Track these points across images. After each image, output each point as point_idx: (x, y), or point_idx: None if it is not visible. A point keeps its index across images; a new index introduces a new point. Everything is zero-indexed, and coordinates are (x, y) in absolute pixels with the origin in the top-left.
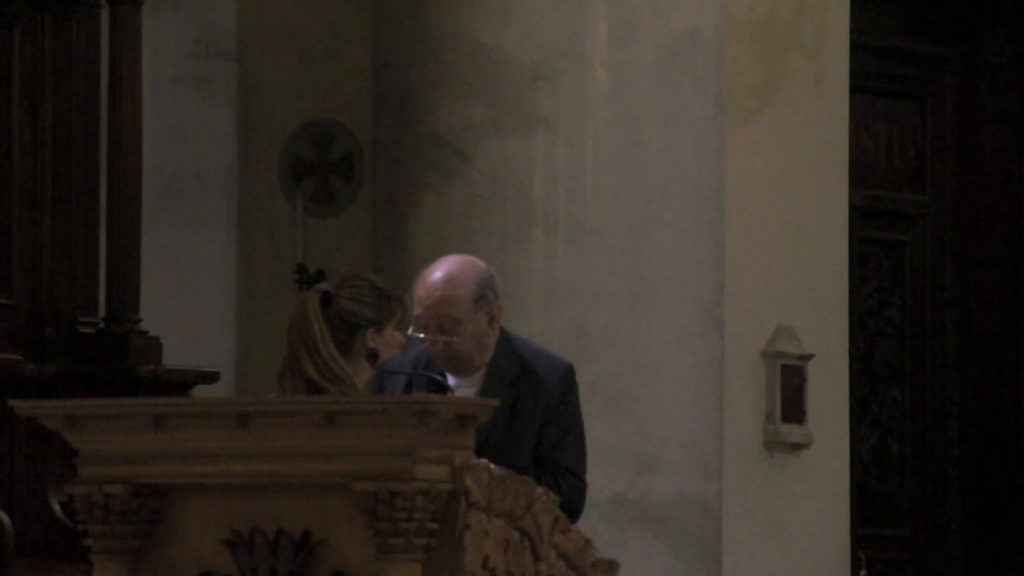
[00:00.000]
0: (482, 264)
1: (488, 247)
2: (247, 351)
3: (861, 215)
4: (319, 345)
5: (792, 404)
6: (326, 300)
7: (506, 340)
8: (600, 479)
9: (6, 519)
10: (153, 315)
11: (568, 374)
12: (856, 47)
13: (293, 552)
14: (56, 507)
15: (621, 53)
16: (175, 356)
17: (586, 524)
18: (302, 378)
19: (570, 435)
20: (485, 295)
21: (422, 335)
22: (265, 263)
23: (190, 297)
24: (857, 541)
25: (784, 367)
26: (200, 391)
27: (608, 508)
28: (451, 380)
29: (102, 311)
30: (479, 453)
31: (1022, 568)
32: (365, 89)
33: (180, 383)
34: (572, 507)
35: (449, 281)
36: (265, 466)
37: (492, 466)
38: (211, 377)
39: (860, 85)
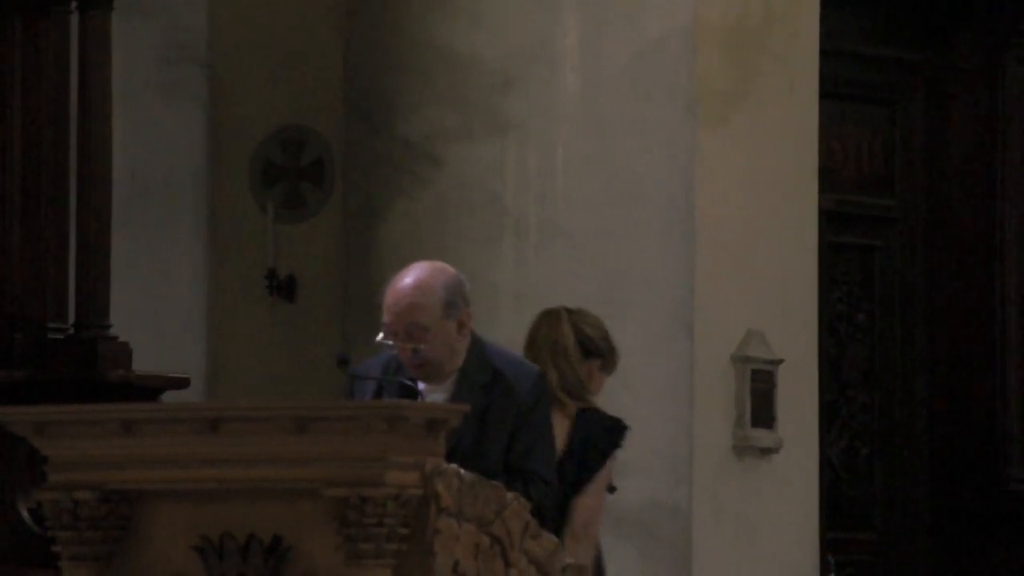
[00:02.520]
0: (452, 271)
1: (459, 252)
2: (217, 357)
3: (831, 220)
4: (570, 355)
5: (762, 408)
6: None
7: (477, 346)
8: None
9: None
10: (123, 321)
11: (539, 380)
12: (826, 52)
13: (263, 558)
14: (24, 513)
15: (592, 58)
16: (145, 362)
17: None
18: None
19: (540, 441)
20: (454, 302)
21: (390, 342)
22: (236, 269)
23: (160, 303)
24: (827, 544)
25: (754, 371)
26: (170, 397)
27: None
28: (421, 385)
29: (72, 317)
30: (449, 459)
31: (991, 570)
32: (336, 94)
33: (150, 389)
34: (541, 513)
35: (418, 288)
36: (236, 472)
37: (462, 471)
38: (181, 383)
39: (830, 90)
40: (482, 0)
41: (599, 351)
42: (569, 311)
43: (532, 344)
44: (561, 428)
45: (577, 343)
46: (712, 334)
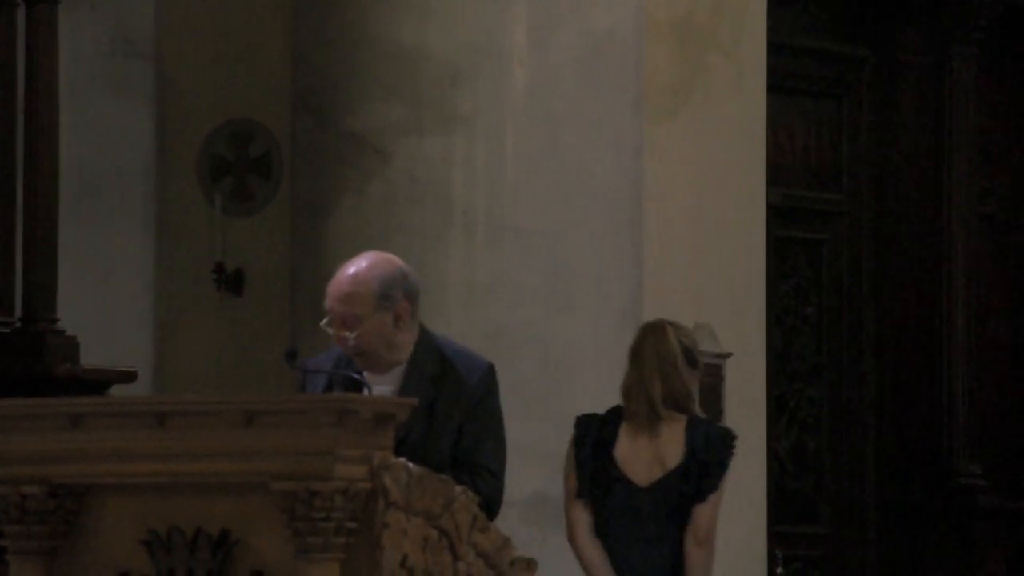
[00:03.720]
0: (397, 263)
1: (408, 246)
2: (165, 350)
3: (779, 214)
4: (678, 366)
5: (710, 402)
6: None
7: (427, 338)
8: (519, 478)
9: None
10: (70, 315)
11: (489, 373)
12: (773, 46)
13: (211, 552)
14: None
15: (540, 53)
16: (92, 356)
17: (505, 523)
18: (645, 399)
19: (489, 435)
20: (390, 295)
21: (330, 329)
22: (183, 262)
23: (108, 296)
24: (774, 538)
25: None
26: (118, 391)
27: (527, 507)
28: (370, 378)
29: (18, 310)
30: (397, 452)
31: (939, 565)
32: (283, 88)
33: (97, 383)
34: (489, 507)
35: (355, 278)
36: (183, 466)
37: (411, 465)
38: (129, 377)
39: (777, 84)
40: None
41: (696, 362)
42: (669, 323)
43: (638, 357)
44: (674, 439)
45: (683, 354)
46: None
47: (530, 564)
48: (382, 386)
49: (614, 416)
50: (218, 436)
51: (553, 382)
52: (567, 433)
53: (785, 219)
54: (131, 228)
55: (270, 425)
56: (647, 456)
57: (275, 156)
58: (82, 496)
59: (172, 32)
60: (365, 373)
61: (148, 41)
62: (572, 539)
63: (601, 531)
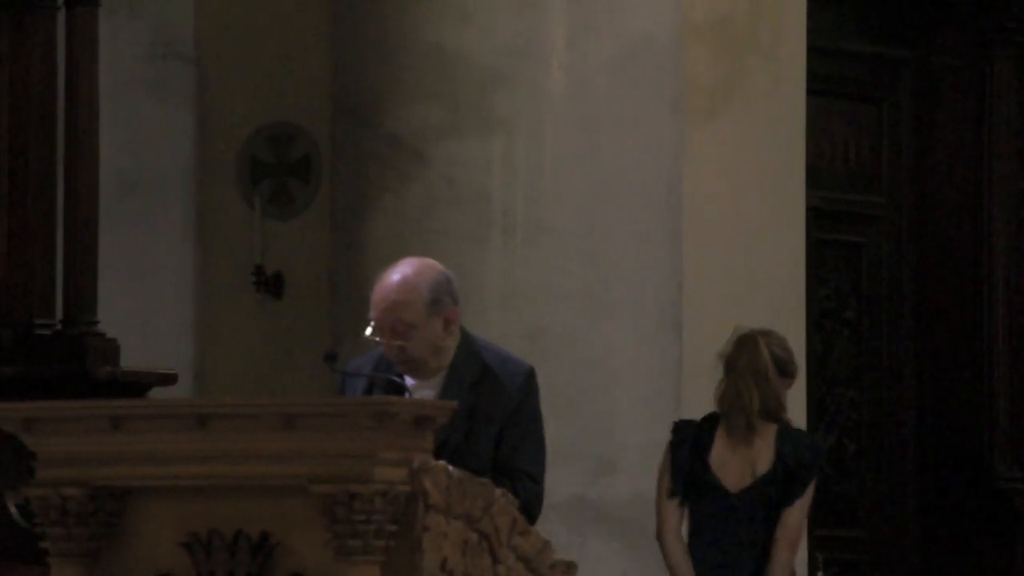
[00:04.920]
0: (439, 267)
1: (446, 249)
2: (205, 353)
3: (818, 217)
4: (771, 378)
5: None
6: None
7: (467, 342)
8: (559, 481)
9: None
10: (110, 317)
11: (529, 377)
12: (812, 49)
13: (251, 554)
14: (13, 510)
15: (579, 55)
16: (132, 358)
17: (545, 526)
18: (740, 410)
19: (529, 439)
20: (440, 299)
21: (377, 338)
22: (223, 265)
23: (148, 299)
24: (814, 542)
25: None
26: (158, 393)
27: (567, 510)
28: (410, 382)
29: (59, 313)
30: (438, 455)
31: (979, 567)
32: (323, 91)
33: (137, 385)
34: (528, 511)
35: (404, 285)
36: (223, 468)
37: (451, 468)
38: (169, 379)
39: (817, 87)
40: None
41: (790, 370)
42: (761, 333)
43: (733, 371)
44: (766, 447)
45: (774, 365)
46: (699, 331)
47: (570, 567)
48: (423, 390)
49: (710, 422)
50: (258, 439)
51: (592, 384)
52: (606, 436)
53: (824, 222)
54: (171, 231)
55: (310, 428)
56: (740, 463)
57: (314, 159)
58: (122, 498)
59: (211, 35)
60: (406, 377)
61: (187, 44)
62: (660, 536)
63: (694, 534)
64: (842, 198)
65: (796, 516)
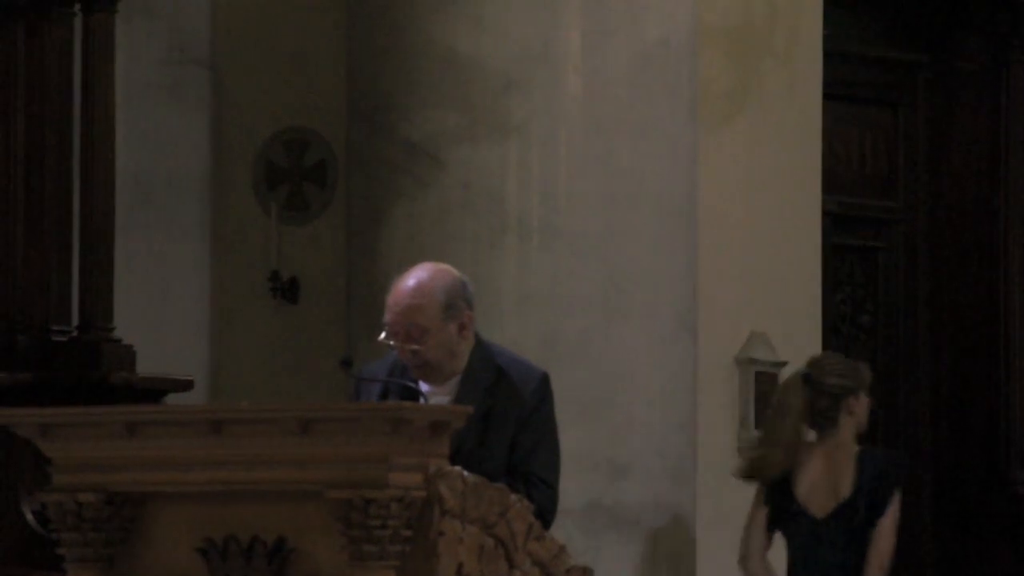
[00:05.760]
0: (455, 273)
1: (462, 254)
2: (221, 359)
3: (834, 221)
4: (787, 415)
5: (765, 411)
6: (807, 379)
7: (481, 347)
8: (574, 486)
9: None
10: (126, 323)
11: (543, 382)
12: (828, 54)
13: (267, 559)
14: (29, 515)
15: (594, 60)
16: (148, 364)
17: (560, 531)
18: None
19: (543, 444)
20: (455, 304)
21: (391, 342)
22: (239, 270)
23: (163, 305)
24: None
25: (757, 374)
26: (173, 399)
27: (582, 515)
28: (425, 387)
29: (75, 319)
30: (452, 460)
31: (994, 573)
32: (339, 96)
33: (153, 391)
34: (543, 516)
35: (419, 290)
36: (239, 474)
37: (466, 473)
38: (185, 385)
39: (833, 92)
40: (485, 2)
41: (851, 388)
42: (808, 370)
43: (788, 415)
44: (847, 471)
45: (819, 405)
46: (715, 336)
47: (585, 572)
48: (438, 395)
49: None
50: (274, 444)
51: (607, 389)
52: (622, 441)
53: (841, 227)
54: (187, 236)
55: (325, 433)
56: (824, 488)
57: (330, 164)
58: (138, 504)
59: (228, 40)
60: (420, 382)
61: (204, 49)
62: (744, 561)
63: (789, 564)
64: (858, 202)
65: (884, 535)
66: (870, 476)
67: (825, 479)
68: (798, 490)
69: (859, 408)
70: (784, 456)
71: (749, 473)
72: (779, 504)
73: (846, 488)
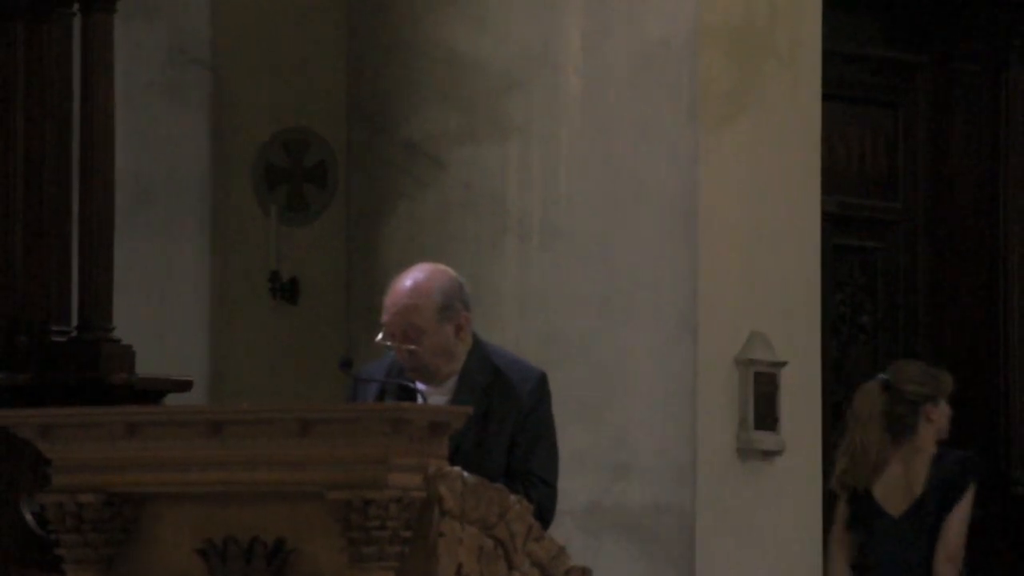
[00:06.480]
0: (452, 274)
1: (462, 254)
2: (220, 359)
3: (834, 222)
4: (865, 423)
5: (765, 411)
6: (886, 386)
7: (479, 348)
8: (574, 487)
9: None
10: (126, 323)
11: (541, 382)
12: (829, 54)
13: (267, 560)
14: (28, 516)
15: (595, 61)
16: (148, 365)
17: (560, 531)
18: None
19: (541, 444)
20: (451, 305)
21: (388, 343)
22: (238, 271)
23: (163, 305)
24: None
25: (757, 374)
26: (173, 400)
27: (582, 515)
28: (423, 387)
29: (74, 319)
30: (452, 461)
31: (994, 574)
32: (339, 96)
33: (153, 392)
34: (542, 516)
35: (415, 290)
36: (239, 475)
37: (465, 474)
38: (184, 386)
39: (833, 92)
40: (485, 2)
41: (930, 395)
42: (887, 377)
43: (865, 424)
44: (922, 471)
45: (896, 411)
46: (715, 336)
47: (585, 572)
48: (436, 396)
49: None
50: (273, 445)
51: (608, 389)
52: (622, 441)
53: (840, 227)
54: (186, 237)
55: (325, 434)
56: (900, 488)
57: (330, 165)
58: (138, 505)
59: (227, 41)
60: (418, 383)
61: (203, 50)
62: (827, 564)
63: (868, 563)
64: (858, 203)
65: (953, 528)
66: (942, 474)
67: (902, 479)
68: (876, 490)
69: (938, 415)
70: (873, 471)
71: (842, 486)
72: (858, 504)
73: (919, 487)
